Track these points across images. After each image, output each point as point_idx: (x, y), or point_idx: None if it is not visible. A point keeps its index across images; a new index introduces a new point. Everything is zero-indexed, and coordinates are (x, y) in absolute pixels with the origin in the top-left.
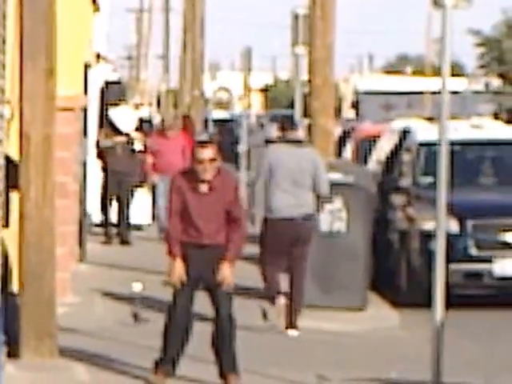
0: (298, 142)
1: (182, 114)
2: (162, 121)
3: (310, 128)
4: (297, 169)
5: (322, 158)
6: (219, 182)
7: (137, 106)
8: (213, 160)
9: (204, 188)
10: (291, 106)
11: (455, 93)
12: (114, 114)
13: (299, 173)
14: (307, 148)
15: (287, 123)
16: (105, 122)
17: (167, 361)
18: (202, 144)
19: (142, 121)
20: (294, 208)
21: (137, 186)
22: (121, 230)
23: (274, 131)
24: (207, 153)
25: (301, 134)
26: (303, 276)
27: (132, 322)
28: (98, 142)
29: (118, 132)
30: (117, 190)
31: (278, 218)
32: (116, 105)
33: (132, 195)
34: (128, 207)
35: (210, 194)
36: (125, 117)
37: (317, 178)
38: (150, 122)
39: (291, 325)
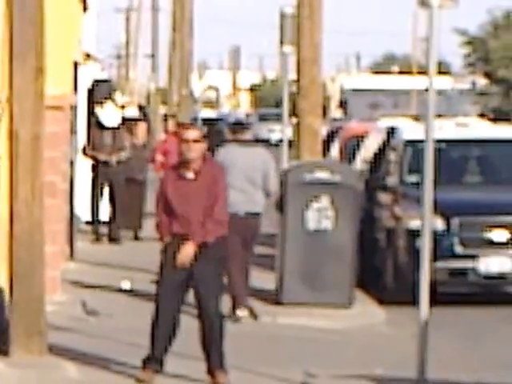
0: (249, 142)
1: (170, 114)
2: (165, 118)
3: (297, 127)
4: (248, 167)
5: (309, 157)
6: (206, 170)
7: (123, 106)
8: (197, 141)
9: (190, 175)
10: (279, 105)
11: (441, 92)
12: (101, 112)
13: (251, 171)
14: (258, 148)
15: (238, 126)
16: (92, 120)
17: (155, 358)
18: (187, 126)
19: (124, 119)
20: (244, 205)
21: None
22: (110, 228)
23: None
24: (192, 133)
25: (251, 135)
26: (249, 272)
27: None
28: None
29: (104, 128)
30: (106, 186)
31: (230, 213)
32: (103, 103)
33: (121, 193)
34: (117, 206)
35: (197, 181)
36: (110, 114)
37: (267, 176)
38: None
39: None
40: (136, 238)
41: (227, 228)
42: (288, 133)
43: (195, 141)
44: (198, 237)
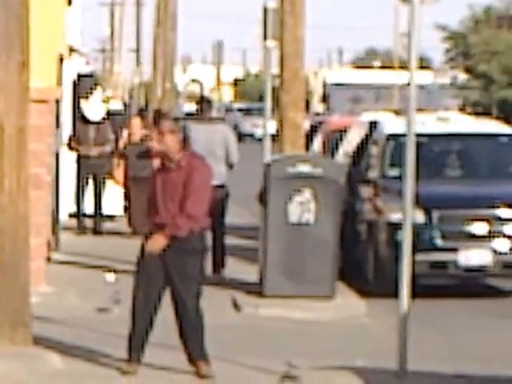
0: (212, 119)
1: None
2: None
3: (280, 121)
4: (209, 142)
5: (292, 151)
6: (187, 163)
7: (107, 99)
8: (173, 132)
9: (171, 165)
10: (262, 98)
11: (422, 86)
12: (85, 105)
13: (213, 145)
14: (220, 125)
15: (205, 104)
16: (77, 114)
17: (134, 349)
18: (162, 117)
19: (109, 113)
20: None
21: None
22: (94, 221)
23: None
24: (167, 124)
25: (214, 113)
26: (222, 237)
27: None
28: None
29: (88, 122)
30: (90, 179)
31: None
32: (87, 96)
33: (104, 186)
34: (101, 198)
35: (176, 172)
36: (94, 108)
37: (228, 149)
38: (121, 114)
39: (221, 266)
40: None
41: (205, 223)
42: (271, 127)
43: (171, 131)
44: (169, 229)
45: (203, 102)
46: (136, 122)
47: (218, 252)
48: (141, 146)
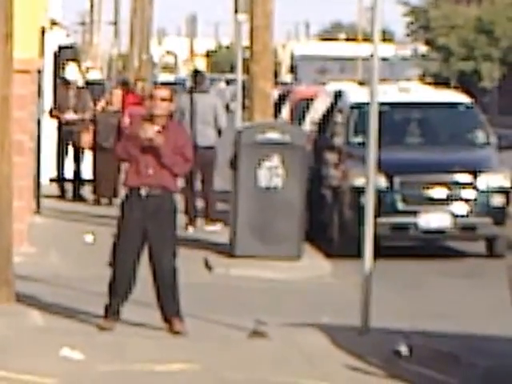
0: (203, 91)
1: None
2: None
3: (249, 91)
4: (203, 110)
5: (261, 119)
6: (172, 128)
7: (86, 70)
8: (164, 100)
9: (156, 128)
10: (233, 69)
11: (385, 58)
12: (66, 70)
13: (204, 113)
14: (210, 95)
15: (199, 77)
16: (57, 81)
17: (112, 307)
18: (159, 86)
19: (88, 83)
20: (199, 139)
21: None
22: (74, 186)
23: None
24: (160, 91)
25: (206, 85)
26: (210, 195)
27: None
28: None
29: (68, 84)
30: (69, 145)
31: None
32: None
33: (83, 152)
34: (79, 163)
35: (161, 134)
36: (74, 73)
37: (217, 116)
38: (100, 84)
39: (211, 212)
40: (110, 203)
41: (177, 187)
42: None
43: (163, 99)
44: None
45: (197, 75)
46: (117, 93)
47: (209, 201)
48: (111, 117)
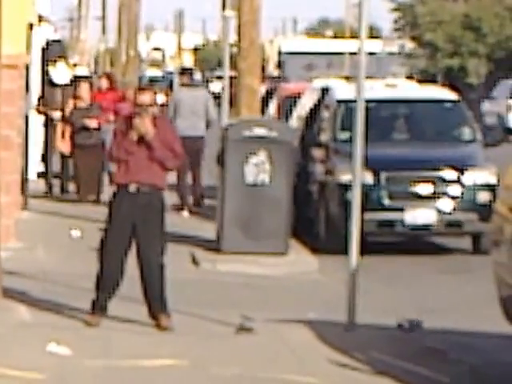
0: (194, 85)
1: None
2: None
3: (237, 86)
4: (193, 103)
5: (248, 115)
6: (158, 126)
7: (74, 65)
8: (149, 106)
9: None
10: (220, 65)
11: (372, 54)
12: (53, 70)
13: (196, 106)
14: (201, 89)
15: (188, 73)
16: (45, 78)
17: (99, 303)
18: (142, 89)
19: (76, 77)
20: (190, 130)
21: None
22: (61, 181)
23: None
24: (144, 98)
25: (197, 80)
26: (199, 176)
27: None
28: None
29: (55, 85)
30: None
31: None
32: (55, 62)
33: None
34: (67, 159)
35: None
36: (62, 72)
37: (208, 109)
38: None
39: (201, 200)
40: (97, 201)
41: (164, 184)
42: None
43: (148, 105)
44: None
45: (185, 71)
46: (85, 86)
47: (198, 190)
48: (86, 112)
